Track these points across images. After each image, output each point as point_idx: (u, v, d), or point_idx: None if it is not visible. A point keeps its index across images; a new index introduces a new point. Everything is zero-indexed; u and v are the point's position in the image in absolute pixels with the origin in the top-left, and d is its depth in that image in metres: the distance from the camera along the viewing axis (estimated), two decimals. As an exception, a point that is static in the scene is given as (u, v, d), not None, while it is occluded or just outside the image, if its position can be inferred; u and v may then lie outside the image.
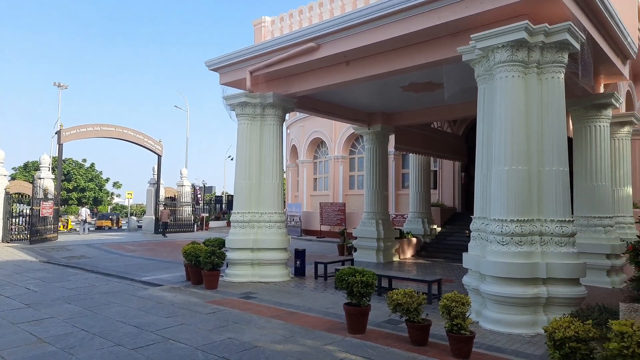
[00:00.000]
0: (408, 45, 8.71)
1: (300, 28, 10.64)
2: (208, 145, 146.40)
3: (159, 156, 27.85)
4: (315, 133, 25.44)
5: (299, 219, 24.63)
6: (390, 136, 15.86)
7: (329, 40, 9.21)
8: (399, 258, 15.46)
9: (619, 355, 3.68)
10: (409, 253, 16.10)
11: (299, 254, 11.49)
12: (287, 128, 28.60)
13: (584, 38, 7.33)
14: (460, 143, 18.90)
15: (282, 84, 11.13)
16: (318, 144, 26.20)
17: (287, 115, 19.96)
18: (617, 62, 9.95)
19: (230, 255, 10.76)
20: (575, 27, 6.93)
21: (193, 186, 31.84)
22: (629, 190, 12.15)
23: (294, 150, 27.89)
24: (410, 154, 17.46)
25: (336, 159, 24.11)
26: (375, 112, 15.06)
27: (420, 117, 14.84)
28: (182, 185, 30.41)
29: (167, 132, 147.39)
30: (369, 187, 15.25)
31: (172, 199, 30.05)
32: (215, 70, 11.53)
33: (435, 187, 20.49)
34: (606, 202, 10.50)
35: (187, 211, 29.79)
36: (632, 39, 10.02)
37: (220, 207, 38.05)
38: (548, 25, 6.85)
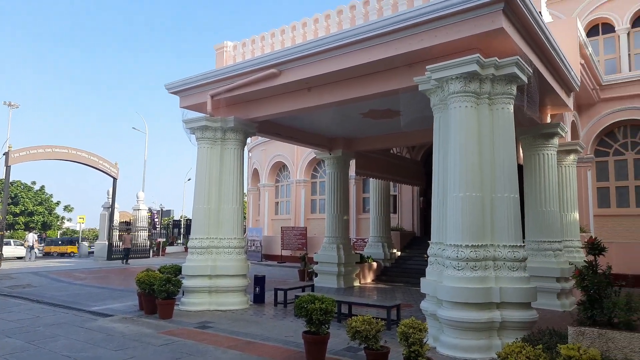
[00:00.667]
0: (367, 74, 8.93)
1: (262, 54, 10.72)
2: (167, 167, 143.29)
3: (115, 179, 26.94)
4: (277, 157, 25.42)
5: (260, 244, 24.29)
6: (351, 161, 16.07)
7: (290, 66, 9.32)
8: (360, 283, 15.46)
9: (567, 380, 3.78)
10: (369, 278, 16.13)
11: (259, 281, 11.28)
12: (249, 151, 28.44)
13: (531, 72, 7.76)
14: (418, 168, 19.36)
15: (244, 108, 11.11)
16: (280, 168, 26.16)
17: (249, 138, 19.84)
18: (562, 94, 10.58)
19: (186, 282, 10.42)
20: (522, 62, 7.34)
21: (150, 210, 30.89)
22: (576, 215, 12.76)
23: (255, 173, 27.70)
24: (371, 179, 17.70)
25: (298, 182, 24.11)
26: (336, 137, 15.25)
27: (380, 143, 15.14)
28: (139, 209, 29.44)
29: (124, 155, 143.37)
30: (330, 212, 15.30)
31: (127, 223, 28.99)
32: (175, 93, 11.38)
33: (395, 212, 20.79)
34: (555, 227, 10.96)
35: (142, 236, 28.78)
36: (574, 73, 10.71)
37: (178, 232, 37.01)
38: (498, 59, 7.22)
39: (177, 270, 11.02)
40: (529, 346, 4.35)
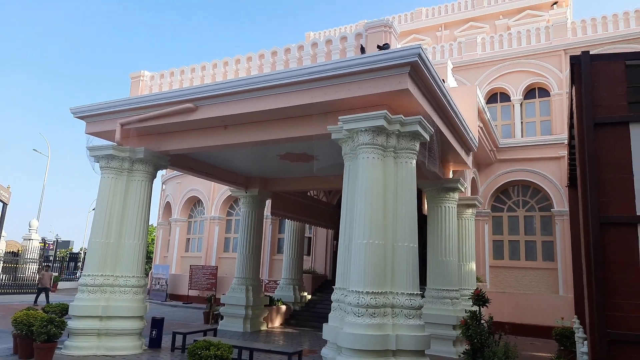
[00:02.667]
0: (284, 117, 9.12)
1: (180, 87, 10.57)
2: (71, 195, 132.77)
3: (4, 204, 24.31)
4: (192, 191, 24.61)
5: (166, 282, 22.94)
6: (267, 200, 16.01)
7: (208, 103, 9.26)
8: (267, 327, 15.07)
9: None
10: (277, 321, 15.80)
11: (157, 323, 10.56)
12: (162, 184, 27.29)
13: (432, 131, 8.41)
14: (334, 212, 19.72)
15: (156, 140, 10.74)
16: (195, 203, 25.30)
17: (165, 170, 19.02)
18: (462, 153, 11.54)
19: (72, 323, 9.46)
20: (425, 121, 7.94)
21: (44, 240, 28.06)
22: (473, 265, 13.64)
23: (168, 207, 26.49)
24: (287, 220, 17.70)
25: (212, 219, 23.42)
26: (253, 176, 15.18)
27: (297, 185, 15.31)
28: (30, 239, 26.63)
29: (21, 179, 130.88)
30: (242, 252, 14.96)
31: (15, 254, 26.01)
32: (81, 118, 10.74)
33: (309, 254, 20.84)
34: (453, 276, 11.61)
35: (32, 269, 25.94)
36: (473, 135, 11.77)
37: (74, 265, 33.86)
38: (403, 117, 7.75)
39: (64, 309, 10.04)
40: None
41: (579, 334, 8.40)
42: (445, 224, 11.72)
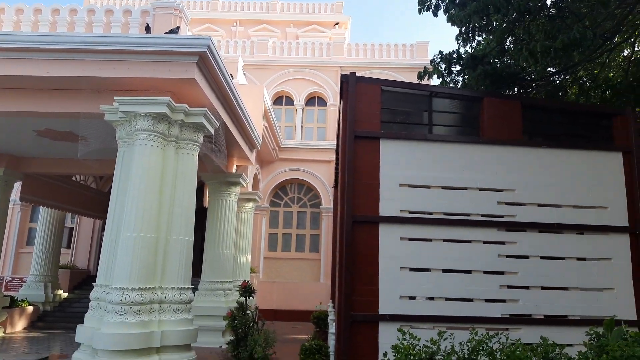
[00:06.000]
0: (46, 88, 7.73)
1: None
2: None
3: None
4: None
5: None
6: (17, 183, 13.37)
7: None
8: (5, 332, 12.57)
9: None
10: (20, 325, 13.36)
11: None
12: None
13: (218, 124, 8.41)
14: (105, 200, 17.70)
15: None
16: None
17: None
18: (246, 149, 11.90)
19: None
20: (210, 114, 7.87)
21: None
22: (249, 257, 14.24)
23: None
24: (42, 207, 15.15)
25: None
26: (-1, 153, 12.45)
27: (59, 168, 13.22)
28: None
29: None
30: (-25, 244, 12.11)
31: None
32: None
33: (69, 247, 18.32)
34: (228, 268, 11.86)
35: None
36: (257, 133, 12.27)
37: None
38: (188, 107, 7.52)
39: None
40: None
41: (331, 316, 9.64)
42: (225, 217, 11.87)
